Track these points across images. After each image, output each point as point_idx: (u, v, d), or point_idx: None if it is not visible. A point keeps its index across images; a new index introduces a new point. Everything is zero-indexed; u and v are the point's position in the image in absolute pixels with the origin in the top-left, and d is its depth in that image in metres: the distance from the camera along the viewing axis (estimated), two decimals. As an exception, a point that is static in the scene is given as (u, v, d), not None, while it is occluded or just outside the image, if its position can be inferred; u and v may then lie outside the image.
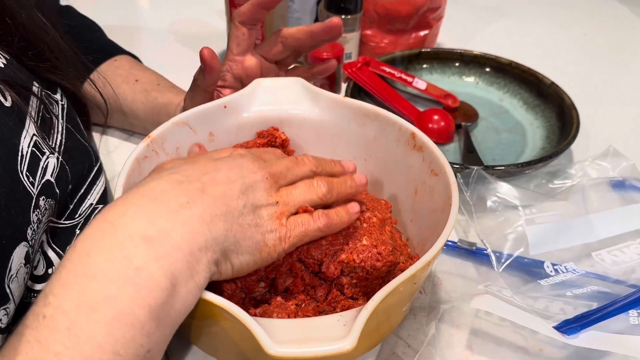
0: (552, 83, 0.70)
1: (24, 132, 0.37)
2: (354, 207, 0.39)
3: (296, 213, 0.36)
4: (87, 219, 0.45)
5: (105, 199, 0.48)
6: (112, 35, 0.69)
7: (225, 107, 0.47)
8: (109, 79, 0.61)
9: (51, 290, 0.26)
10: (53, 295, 0.25)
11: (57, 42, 0.45)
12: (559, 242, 0.51)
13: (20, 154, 0.36)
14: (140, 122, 0.62)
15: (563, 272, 0.49)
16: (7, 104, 0.36)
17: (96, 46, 0.64)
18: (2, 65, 0.38)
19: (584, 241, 0.52)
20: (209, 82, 0.48)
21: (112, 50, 0.65)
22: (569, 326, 0.42)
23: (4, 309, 0.33)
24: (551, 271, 0.49)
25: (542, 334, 0.43)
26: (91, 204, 0.46)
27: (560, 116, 0.67)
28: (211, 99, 0.51)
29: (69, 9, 0.67)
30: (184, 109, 0.54)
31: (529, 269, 0.50)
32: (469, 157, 0.62)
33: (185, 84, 0.62)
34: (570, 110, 0.65)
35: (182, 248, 0.28)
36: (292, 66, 0.57)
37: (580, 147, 0.66)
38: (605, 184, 0.58)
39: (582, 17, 1.01)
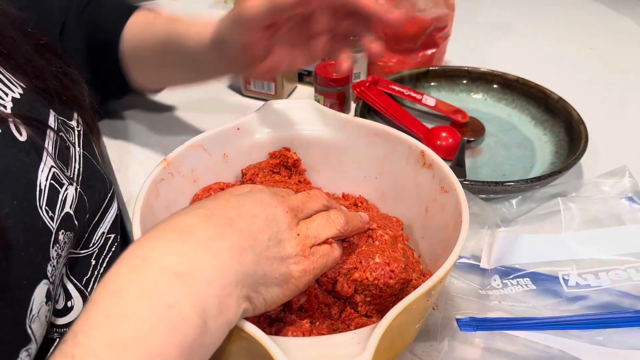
0: (560, 98, 0.70)
1: (42, 165, 0.36)
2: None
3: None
4: (102, 249, 0.45)
5: (116, 227, 0.47)
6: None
7: (238, 129, 0.48)
8: (130, 28, 0.60)
9: (81, 329, 0.25)
10: (83, 335, 0.25)
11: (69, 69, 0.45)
12: (568, 256, 0.51)
13: (38, 188, 0.35)
14: (154, 51, 0.58)
15: (577, 286, 0.49)
16: (22, 138, 0.35)
17: (117, 11, 0.63)
18: (19, 96, 0.38)
19: (599, 256, 0.52)
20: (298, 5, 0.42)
21: (130, 10, 0.63)
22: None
23: (26, 350, 0.33)
24: (564, 285, 0.49)
25: (556, 349, 0.43)
26: (102, 233, 0.45)
27: (569, 131, 0.67)
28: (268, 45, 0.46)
29: None
30: (240, 13, 0.45)
31: (541, 283, 0.50)
32: (455, 170, 0.62)
33: (195, 103, 0.64)
34: (578, 125, 0.65)
35: (214, 283, 0.28)
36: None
37: (590, 162, 0.67)
38: (614, 199, 0.58)
39: (588, 32, 1.02)
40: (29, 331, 0.33)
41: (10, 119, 0.35)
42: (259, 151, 0.50)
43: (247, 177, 0.49)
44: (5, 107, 0.36)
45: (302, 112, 0.50)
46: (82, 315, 0.26)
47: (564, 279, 0.49)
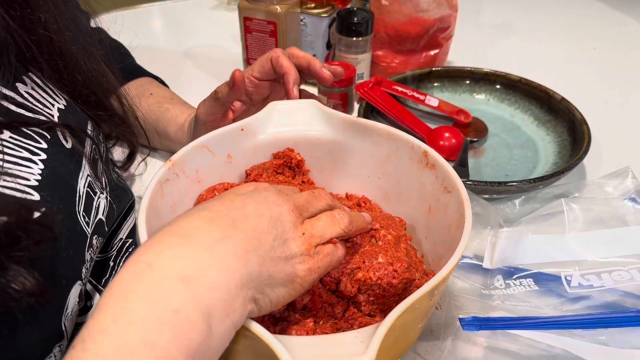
0: (563, 98, 0.70)
1: (81, 173, 0.38)
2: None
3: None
4: (119, 252, 0.46)
5: (134, 233, 0.49)
6: (131, 60, 0.72)
7: (242, 129, 0.49)
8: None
9: (89, 335, 0.25)
10: (91, 341, 0.25)
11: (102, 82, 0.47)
12: (570, 257, 0.51)
13: (77, 194, 0.37)
14: (148, 132, 0.63)
15: (580, 286, 0.49)
16: (68, 145, 0.38)
17: (122, 69, 0.67)
18: (63, 107, 0.40)
19: (602, 257, 0.52)
20: (231, 98, 0.53)
21: (135, 73, 0.68)
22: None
23: (59, 345, 0.34)
24: (567, 286, 0.49)
25: (558, 348, 0.43)
26: (120, 239, 0.47)
27: (572, 131, 0.67)
28: (225, 111, 0.55)
29: (98, 31, 0.70)
30: (197, 116, 0.56)
31: (544, 284, 0.50)
32: (458, 170, 0.62)
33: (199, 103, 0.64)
34: (581, 125, 0.66)
35: (219, 287, 0.29)
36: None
37: (593, 163, 0.67)
38: (617, 200, 0.58)
39: (591, 32, 1.02)
40: (63, 328, 0.34)
41: (59, 128, 0.37)
42: (263, 152, 0.50)
43: (251, 177, 0.49)
44: (52, 115, 0.38)
45: (305, 112, 0.51)
46: (89, 321, 0.26)
47: (566, 279, 0.49)
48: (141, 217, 0.38)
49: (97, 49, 0.46)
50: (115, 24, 0.62)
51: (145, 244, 0.30)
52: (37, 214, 0.30)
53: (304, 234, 0.34)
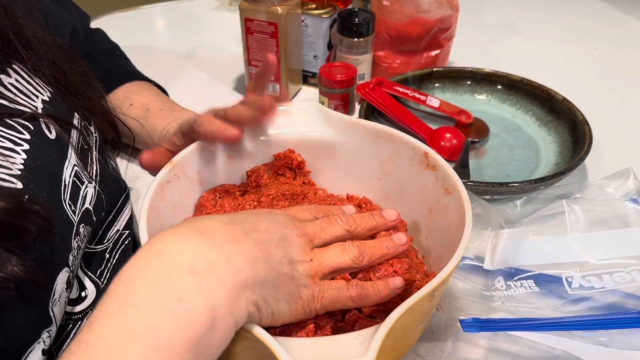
0: (564, 99, 0.70)
1: (67, 163, 0.39)
2: (396, 282, 0.38)
3: (333, 279, 0.37)
4: (115, 244, 0.47)
5: (130, 225, 0.50)
6: (131, 61, 0.71)
7: (243, 131, 0.49)
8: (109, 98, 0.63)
9: (95, 318, 0.26)
10: (97, 323, 0.26)
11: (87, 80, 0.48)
12: (571, 258, 0.51)
13: (63, 183, 0.38)
14: (139, 144, 0.64)
15: (581, 287, 0.49)
16: (52, 136, 0.38)
17: (111, 73, 0.66)
18: (47, 99, 0.41)
19: (603, 258, 0.52)
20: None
21: (125, 77, 0.67)
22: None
23: (48, 331, 0.34)
24: (568, 287, 0.49)
25: (559, 350, 0.43)
26: (117, 230, 0.47)
27: (573, 132, 0.67)
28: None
29: (96, 32, 0.70)
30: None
31: (545, 285, 0.50)
32: (459, 171, 0.62)
33: (200, 104, 0.64)
34: (582, 126, 0.65)
35: (225, 282, 0.29)
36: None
37: (594, 163, 0.67)
38: (618, 201, 0.58)
39: (593, 32, 1.02)
40: (51, 313, 0.35)
41: (42, 119, 0.38)
42: (264, 153, 0.50)
43: (252, 178, 0.49)
44: (36, 107, 0.39)
45: (306, 114, 0.51)
46: (98, 306, 0.27)
47: (567, 281, 0.49)
48: (142, 218, 0.38)
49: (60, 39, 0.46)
50: (116, 25, 0.62)
51: (160, 234, 0.31)
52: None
53: (312, 259, 0.35)
